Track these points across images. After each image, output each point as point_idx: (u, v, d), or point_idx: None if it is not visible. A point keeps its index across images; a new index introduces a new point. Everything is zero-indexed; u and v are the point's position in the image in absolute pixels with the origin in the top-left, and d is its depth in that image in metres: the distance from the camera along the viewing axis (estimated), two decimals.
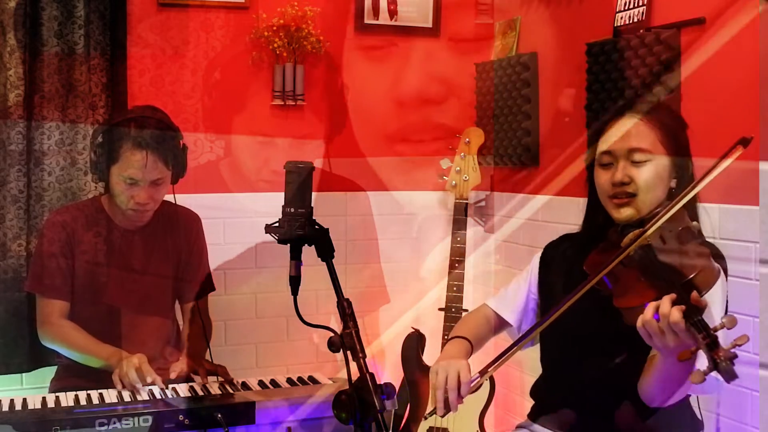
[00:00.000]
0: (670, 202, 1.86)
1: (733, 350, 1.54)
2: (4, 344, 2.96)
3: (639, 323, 1.71)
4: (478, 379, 1.98)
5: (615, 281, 1.84)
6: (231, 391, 2.34)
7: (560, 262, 2.16)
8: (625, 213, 1.97)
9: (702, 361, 1.60)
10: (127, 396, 2.25)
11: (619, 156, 1.98)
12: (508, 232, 3.51)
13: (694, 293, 1.66)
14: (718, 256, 1.95)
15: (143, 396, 2.25)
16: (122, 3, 3.10)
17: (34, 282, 2.62)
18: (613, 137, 2.01)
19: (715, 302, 1.85)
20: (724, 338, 1.60)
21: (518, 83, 3.29)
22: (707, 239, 2.02)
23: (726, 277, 1.94)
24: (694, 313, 1.62)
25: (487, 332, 2.23)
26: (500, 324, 2.24)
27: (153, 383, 2.31)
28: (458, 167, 3.23)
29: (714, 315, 1.83)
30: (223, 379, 2.44)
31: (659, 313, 1.66)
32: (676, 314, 1.64)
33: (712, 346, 1.56)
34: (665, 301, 1.66)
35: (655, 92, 2.55)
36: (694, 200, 2.01)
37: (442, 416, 2.01)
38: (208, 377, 2.48)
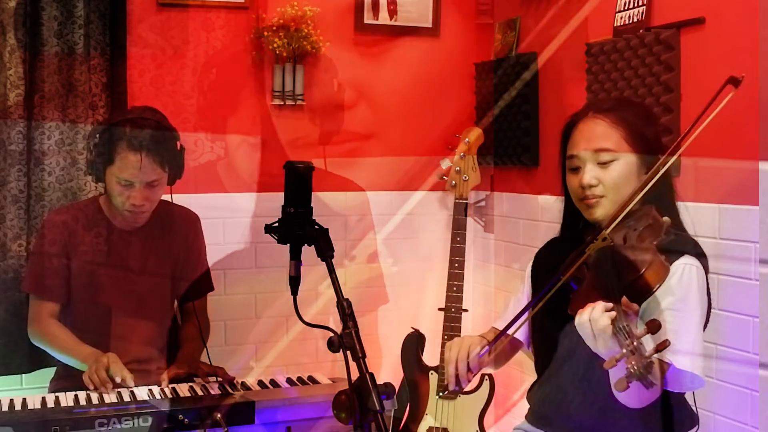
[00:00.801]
0: (642, 199, 1.86)
1: (652, 358, 1.55)
2: (4, 345, 2.96)
3: (576, 323, 1.72)
4: (487, 350, 2.02)
5: (579, 284, 1.85)
6: (231, 391, 2.34)
7: (546, 268, 2.16)
8: (596, 214, 1.97)
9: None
10: (126, 396, 2.25)
11: (585, 159, 1.98)
12: (508, 232, 3.51)
13: (624, 299, 1.67)
14: (699, 254, 1.94)
15: (112, 398, 2.24)
16: (122, 3, 3.10)
17: (29, 282, 2.65)
18: (578, 140, 2.01)
19: (690, 299, 1.86)
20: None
21: (518, 83, 3.29)
22: (693, 237, 2.01)
23: (707, 273, 1.93)
24: (623, 320, 1.63)
25: (501, 349, 2.23)
26: (510, 341, 2.24)
27: (123, 382, 2.31)
28: (458, 167, 3.23)
29: (690, 310, 1.85)
30: (222, 380, 2.44)
31: (590, 318, 1.68)
32: (604, 320, 1.65)
33: (632, 353, 1.57)
34: (597, 307, 1.68)
35: (654, 92, 2.55)
36: (669, 196, 2.00)
37: (454, 392, 2.04)
38: (208, 378, 2.48)
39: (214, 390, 2.34)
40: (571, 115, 2.10)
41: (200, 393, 2.31)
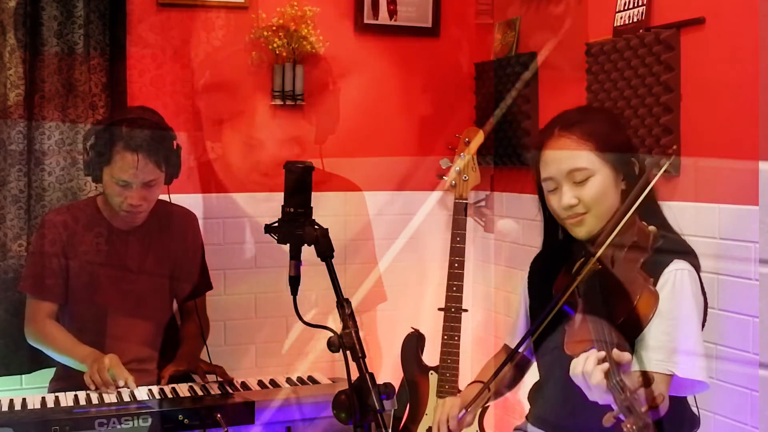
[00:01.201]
0: (625, 204, 1.86)
1: (648, 416, 1.52)
2: (4, 345, 2.96)
3: (570, 374, 1.70)
4: (465, 414, 2.08)
5: (574, 309, 1.84)
6: (230, 391, 2.34)
7: (540, 283, 2.15)
8: (583, 231, 1.96)
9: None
10: (126, 396, 2.25)
11: (560, 180, 1.96)
12: (508, 232, 3.51)
13: (615, 351, 1.63)
14: (690, 253, 1.94)
15: (112, 398, 2.24)
16: (122, 3, 3.10)
17: (26, 282, 2.65)
18: (549, 162, 1.98)
19: (685, 306, 1.85)
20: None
21: (518, 83, 3.29)
22: (681, 235, 2.00)
23: (699, 271, 1.92)
24: (617, 373, 1.59)
25: (509, 370, 2.22)
26: (519, 360, 2.23)
27: (125, 385, 2.31)
28: (458, 167, 3.23)
29: (686, 317, 1.85)
30: (222, 379, 2.44)
31: (584, 371, 1.64)
32: (597, 375, 1.61)
33: (628, 411, 1.53)
34: (590, 359, 1.64)
35: (654, 92, 2.55)
36: (651, 199, 1.96)
37: None
38: (207, 377, 2.48)
39: (214, 390, 2.34)
40: (539, 133, 2.07)
41: (200, 393, 2.31)
